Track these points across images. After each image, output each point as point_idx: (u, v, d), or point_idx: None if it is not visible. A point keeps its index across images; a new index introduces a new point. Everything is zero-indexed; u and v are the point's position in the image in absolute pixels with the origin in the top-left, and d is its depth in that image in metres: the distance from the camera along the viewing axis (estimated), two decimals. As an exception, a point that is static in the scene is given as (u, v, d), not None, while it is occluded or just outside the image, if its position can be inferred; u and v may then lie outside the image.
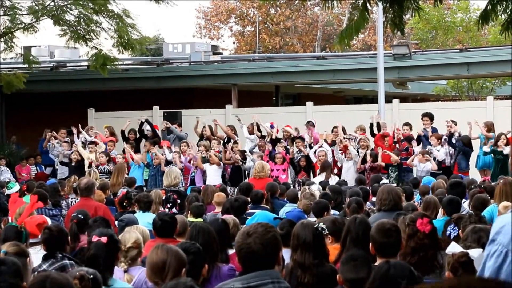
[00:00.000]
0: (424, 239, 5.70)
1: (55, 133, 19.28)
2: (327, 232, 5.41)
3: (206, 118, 19.63)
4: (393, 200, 7.70)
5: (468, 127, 16.64)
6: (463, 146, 16.17)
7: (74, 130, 18.98)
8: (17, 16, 20.23)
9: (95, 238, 5.22)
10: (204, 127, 18.85)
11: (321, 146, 16.99)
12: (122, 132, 19.13)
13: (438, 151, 16.21)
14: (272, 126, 18.24)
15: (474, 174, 16.21)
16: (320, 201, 8.69)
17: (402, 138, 16.79)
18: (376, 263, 5.00)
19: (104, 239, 5.18)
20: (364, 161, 16.46)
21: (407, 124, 17.34)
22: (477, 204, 8.58)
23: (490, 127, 16.69)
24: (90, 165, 17.10)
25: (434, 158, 16.03)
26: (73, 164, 17.65)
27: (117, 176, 15.38)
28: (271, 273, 3.70)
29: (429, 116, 17.23)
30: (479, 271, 2.71)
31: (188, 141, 17.91)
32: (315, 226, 5.30)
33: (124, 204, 10.14)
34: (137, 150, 18.46)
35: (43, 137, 20.31)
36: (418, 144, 16.74)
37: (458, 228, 6.28)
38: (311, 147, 17.28)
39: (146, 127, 19.19)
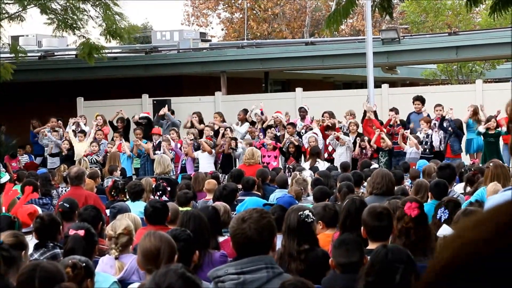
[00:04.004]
0: (409, 223, 5.72)
1: (62, 122, 19.26)
2: (313, 218, 5.36)
3: (195, 106, 19.56)
4: (386, 185, 7.72)
5: (467, 110, 16.57)
6: (456, 128, 16.22)
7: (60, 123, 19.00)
8: (2, 5, 20.04)
9: (72, 232, 5.19)
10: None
11: (314, 132, 17.00)
12: (110, 122, 19.03)
13: (431, 135, 16.22)
14: (262, 113, 18.20)
15: (463, 157, 16.27)
16: (323, 187, 8.71)
17: (393, 123, 16.82)
18: (368, 247, 5.01)
19: (81, 232, 5.16)
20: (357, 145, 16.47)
21: (393, 109, 17.36)
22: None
23: (476, 110, 16.74)
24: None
25: (427, 143, 16.07)
26: (63, 153, 17.57)
27: (112, 164, 15.32)
28: (265, 259, 3.69)
29: (420, 100, 17.22)
30: None
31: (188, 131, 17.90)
32: (299, 213, 5.28)
33: (112, 193, 10.09)
34: (125, 139, 18.39)
35: (31, 129, 20.28)
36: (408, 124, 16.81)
37: (449, 211, 6.29)
38: (300, 135, 17.25)
39: (141, 115, 19.13)
